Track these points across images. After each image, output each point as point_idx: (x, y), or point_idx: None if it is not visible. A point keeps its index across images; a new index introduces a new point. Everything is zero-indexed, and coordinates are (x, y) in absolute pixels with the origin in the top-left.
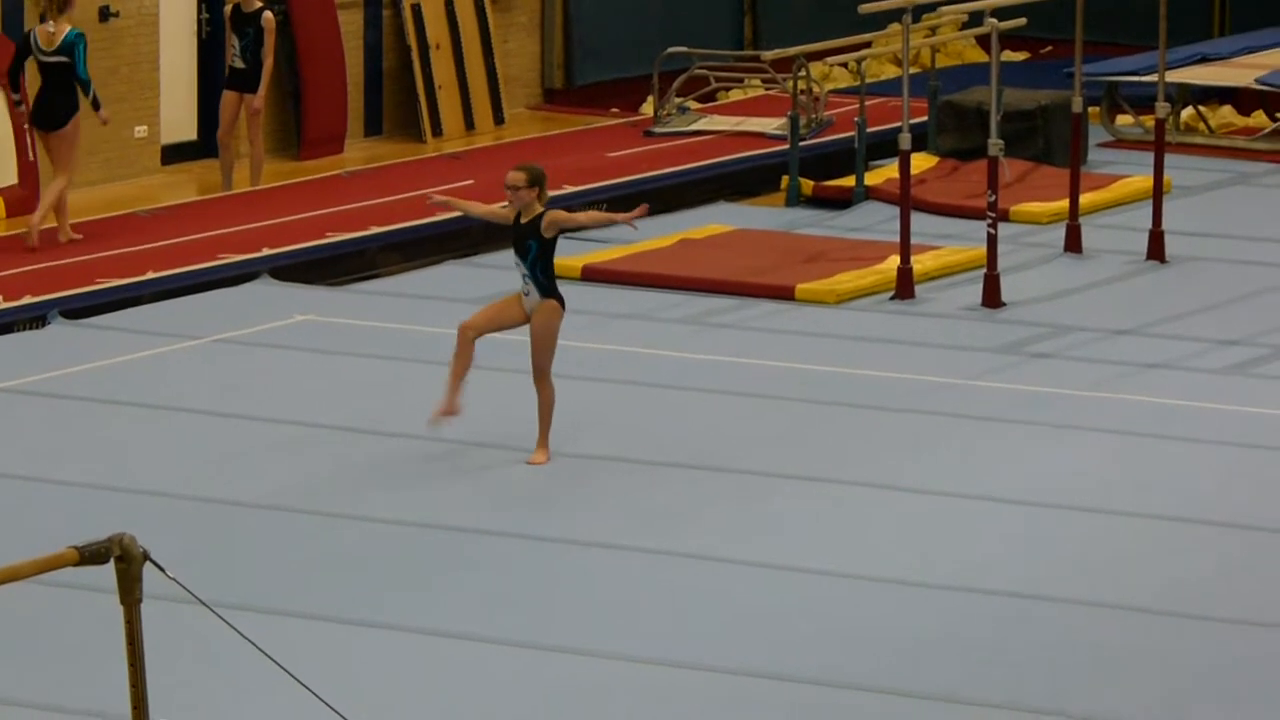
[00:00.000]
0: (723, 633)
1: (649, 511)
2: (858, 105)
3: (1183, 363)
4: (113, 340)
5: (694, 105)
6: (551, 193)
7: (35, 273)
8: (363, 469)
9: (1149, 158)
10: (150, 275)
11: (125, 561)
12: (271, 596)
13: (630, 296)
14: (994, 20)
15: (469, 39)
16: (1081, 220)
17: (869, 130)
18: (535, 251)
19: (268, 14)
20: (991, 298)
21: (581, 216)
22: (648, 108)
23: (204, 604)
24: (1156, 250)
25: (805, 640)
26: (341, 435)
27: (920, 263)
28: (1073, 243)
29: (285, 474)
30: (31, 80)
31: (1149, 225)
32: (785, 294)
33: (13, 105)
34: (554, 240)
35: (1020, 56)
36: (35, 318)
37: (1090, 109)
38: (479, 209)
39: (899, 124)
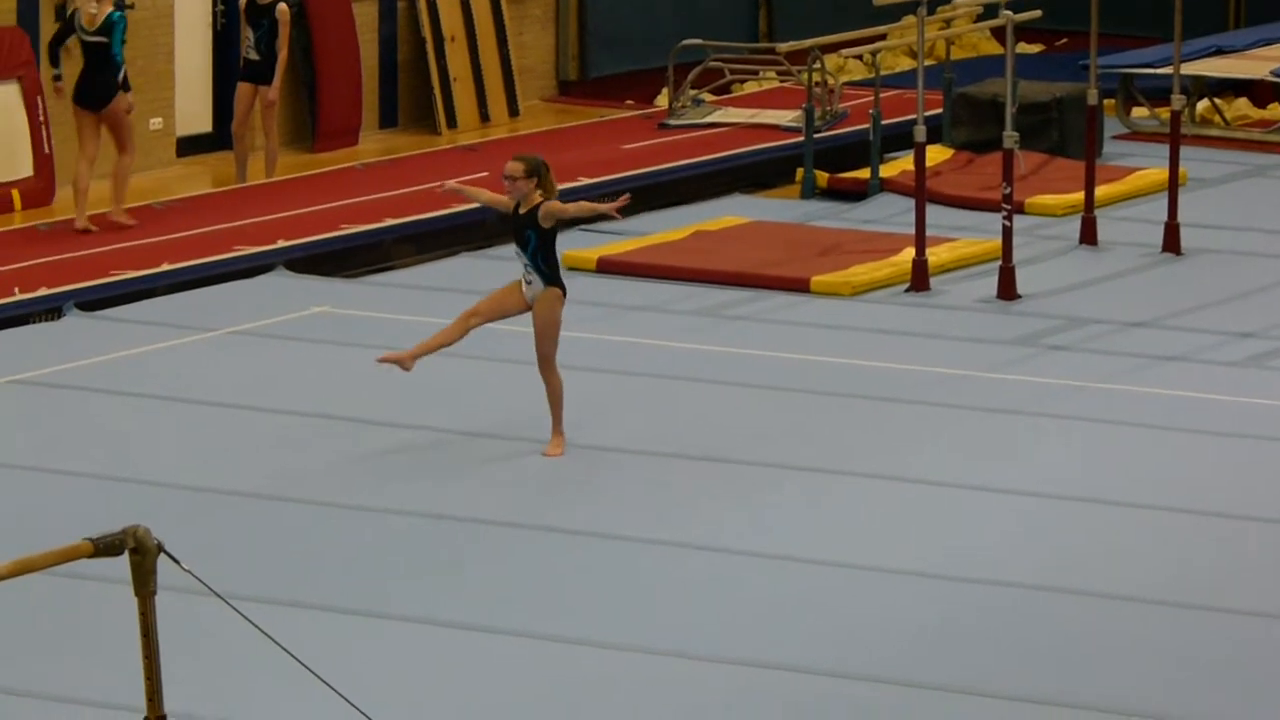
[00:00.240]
0: (734, 624)
1: (661, 503)
2: (873, 97)
3: (1198, 355)
4: (128, 332)
5: (709, 98)
6: (566, 185)
7: (50, 265)
8: (378, 461)
9: (1164, 150)
10: (165, 267)
11: (139, 553)
12: (285, 588)
13: (645, 288)
14: (1009, 13)
15: (484, 31)
16: (1097, 213)
17: (884, 122)
18: (535, 242)
19: (282, 6)
20: (1007, 290)
21: (571, 207)
22: (663, 100)
23: (219, 596)
24: (1172, 243)
25: (816, 632)
26: (356, 427)
27: (935, 255)
28: (1088, 235)
29: (300, 466)
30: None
31: (1164, 218)
32: (800, 286)
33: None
34: (553, 230)
35: (1035, 49)
36: (50, 309)
37: (1105, 101)
38: (486, 196)
39: (914, 116)
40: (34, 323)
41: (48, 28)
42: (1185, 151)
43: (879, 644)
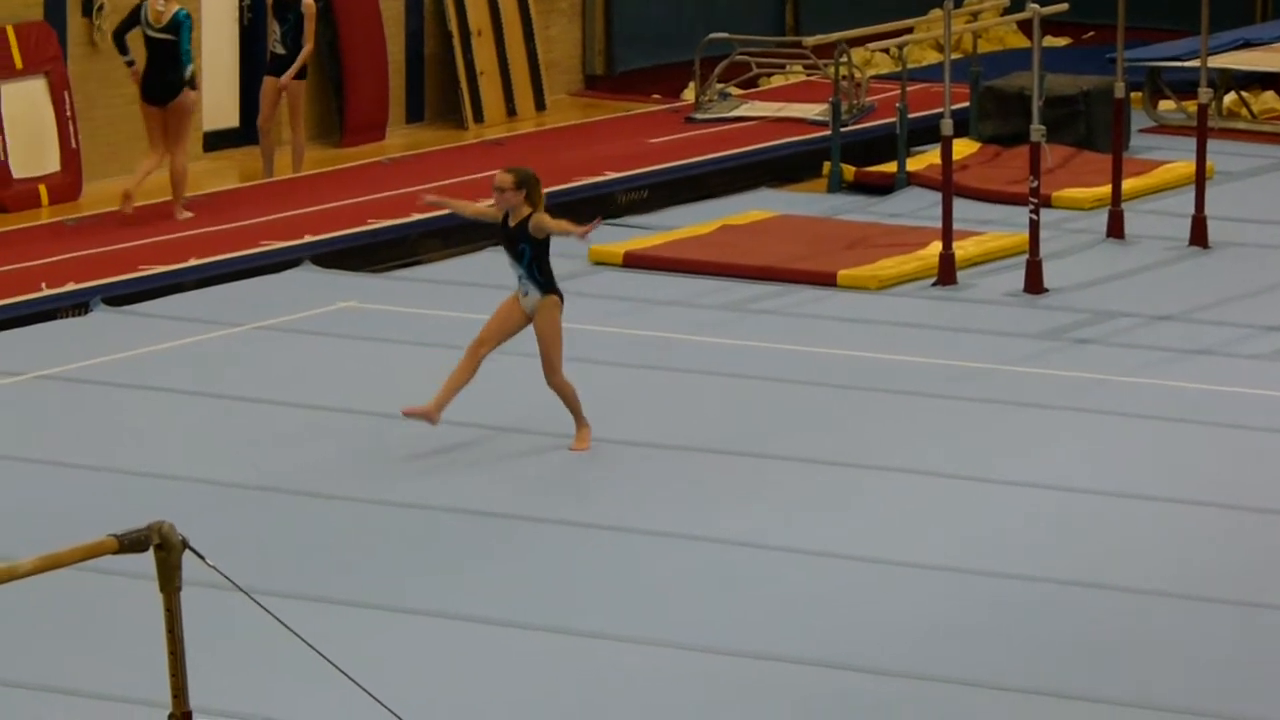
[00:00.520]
0: (758, 618)
1: (687, 498)
2: (899, 91)
3: (1225, 349)
4: (155, 327)
5: (735, 91)
6: (593, 179)
7: (78, 260)
8: (402, 456)
9: (1191, 143)
10: (192, 262)
11: (165, 549)
12: (309, 583)
13: (672, 283)
14: (1036, 5)
15: (510, 25)
16: (1124, 206)
17: (910, 116)
18: (530, 254)
19: (308, 0)
20: (1034, 283)
21: (557, 224)
22: (689, 94)
23: (245, 592)
24: (1199, 236)
25: (837, 626)
26: (382, 422)
27: (962, 248)
28: (1115, 228)
29: (325, 461)
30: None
31: (1191, 211)
32: (827, 280)
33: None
34: (546, 240)
35: (1062, 42)
36: (78, 304)
37: (1132, 94)
38: (470, 209)
39: (941, 110)
40: (61, 318)
41: (75, 23)
42: (1212, 145)
43: (907, 639)
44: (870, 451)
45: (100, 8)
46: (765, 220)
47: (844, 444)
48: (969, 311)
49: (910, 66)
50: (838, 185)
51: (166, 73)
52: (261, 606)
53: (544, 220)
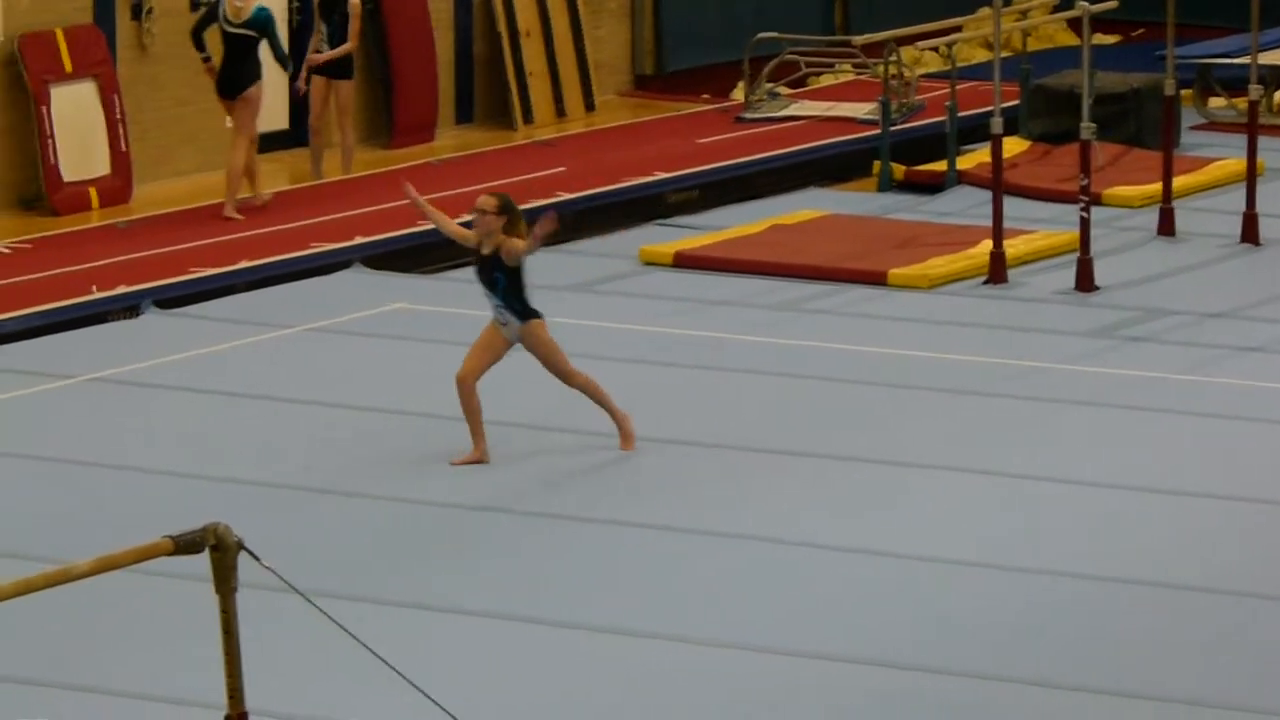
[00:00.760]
0: (804, 616)
1: (736, 496)
2: (949, 90)
3: (1277, 346)
4: (206, 330)
5: (785, 91)
6: (643, 179)
7: (129, 262)
8: (453, 456)
9: (1242, 140)
10: (243, 264)
11: (220, 550)
12: (363, 583)
13: (722, 283)
14: (1085, 3)
15: (559, 26)
16: (1174, 203)
17: (960, 115)
18: (504, 283)
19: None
20: (1084, 282)
21: (522, 245)
22: (738, 93)
23: (300, 593)
24: (1250, 233)
25: (889, 624)
26: (433, 423)
27: (1013, 247)
28: (1166, 226)
29: (377, 461)
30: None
31: (1242, 208)
32: (878, 279)
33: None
34: (519, 268)
35: (1112, 39)
36: (129, 307)
37: (1182, 92)
38: (448, 225)
39: (990, 108)
40: (112, 320)
41: (124, 26)
42: (1263, 141)
43: (955, 637)
44: (920, 450)
45: (149, 11)
46: (815, 220)
47: (894, 443)
48: (1020, 310)
49: (959, 65)
50: (887, 184)
51: (241, 68)
52: (317, 607)
53: (515, 246)
